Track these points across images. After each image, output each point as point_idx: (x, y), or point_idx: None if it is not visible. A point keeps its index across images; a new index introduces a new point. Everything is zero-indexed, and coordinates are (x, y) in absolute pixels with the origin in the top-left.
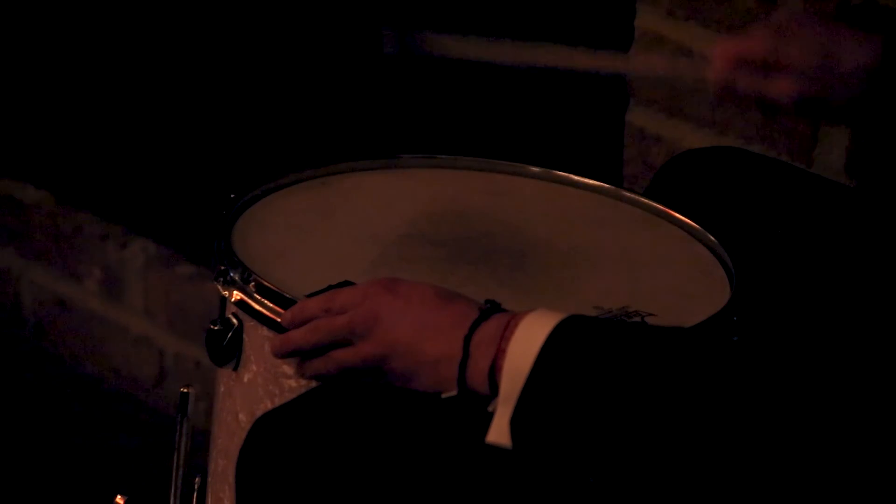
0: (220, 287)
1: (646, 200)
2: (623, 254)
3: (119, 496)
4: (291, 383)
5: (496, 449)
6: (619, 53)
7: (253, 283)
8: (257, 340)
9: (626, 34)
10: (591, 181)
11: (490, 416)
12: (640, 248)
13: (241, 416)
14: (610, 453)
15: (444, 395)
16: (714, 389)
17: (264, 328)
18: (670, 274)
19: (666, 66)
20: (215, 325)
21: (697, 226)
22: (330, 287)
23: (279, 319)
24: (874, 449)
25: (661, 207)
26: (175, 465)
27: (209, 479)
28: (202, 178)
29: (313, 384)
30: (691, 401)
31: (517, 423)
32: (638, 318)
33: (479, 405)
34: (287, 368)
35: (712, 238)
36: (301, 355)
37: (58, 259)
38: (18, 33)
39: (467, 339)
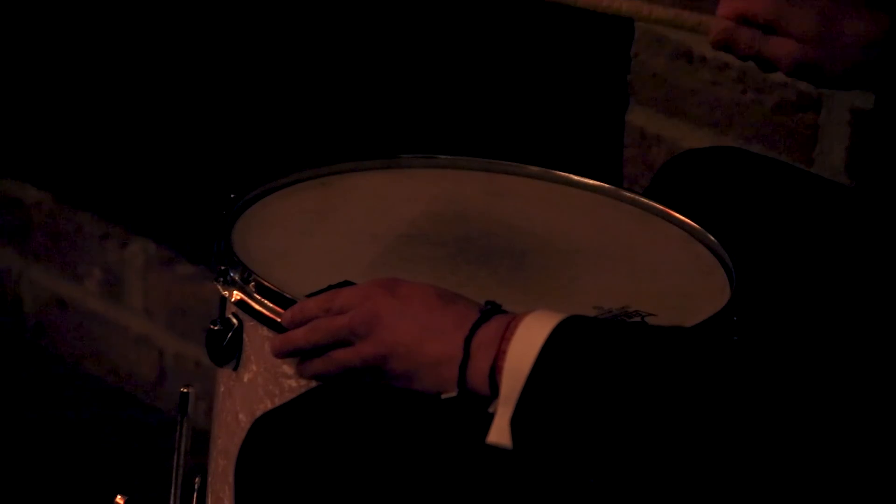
0: (220, 287)
1: (646, 200)
2: (623, 254)
3: (119, 496)
4: (291, 383)
5: (496, 449)
6: None
7: (253, 284)
8: (257, 340)
9: None
10: (591, 181)
11: (490, 416)
12: (640, 248)
13: (241, 416)
14: (610, 453)
15: (443, 396)
16: (714, 389)
17: (264, 328)
18: (670, 274)
19: (670, 13)
20: (215, 325)
21: (697, 226)
22: (330, 287)
23: (279, 319)
24: (874, 449)
25: (661, 207)
26: (175, 465)
27: (209, 479)
28: (202, 178)
29: (313, 384)
30: (691, 401)
31: (517, 423)
32: (638, 318)
33: (479, 406)
34: (287, 368)
35: (712, 238)
36: (301, 355)
37: (58, 259)
38: (18, 33)
39: (468, 341)
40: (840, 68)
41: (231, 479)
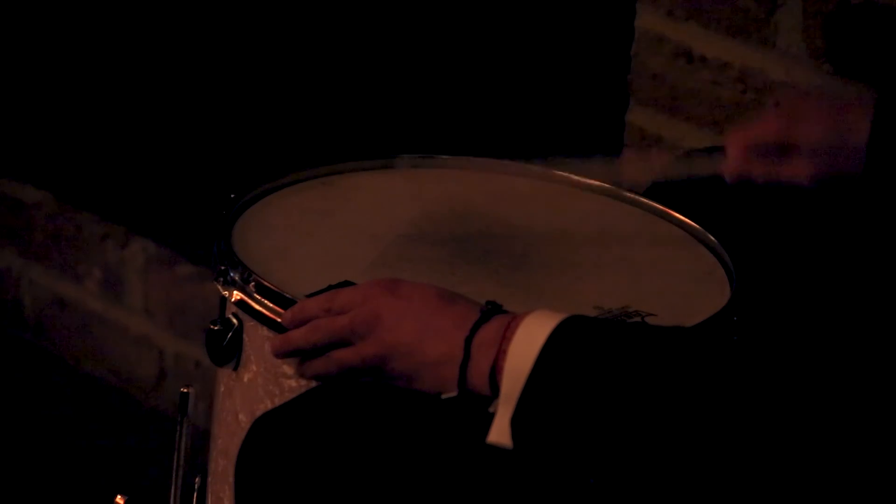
0: (220, 287)
1: (646, 200)
2: (623, 254)
3: (119, 496)
4: (291, 383)
5: (497, 449)
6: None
7: (253, 283)
8: (257, 340)
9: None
10: (592, 181)
11: (490, 416)
12: (640, 248)
13: (241, 416)
14: (610, 453)
15: (444, 396)
16: (714, 389)
17: (264, 328)
18: (670, 274)
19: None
20: (215, 325)
21: (697, 226)
22: (330, 287)
23: (279, 319)
24: (874, 449)
25: (661, 207)
26: (175, 465)
27: (209, 479)
28: (202, 178)
29: (313, 384)
30: (691, 401)
31: (518, 423)
32: (638, 318)
33: (479, 406)
34: (287, 368)
35: (712, 238)
36: (301, 355)
37: (58, 259)
38: (18, 33)
39: (468, 341)
40: (861, 168)
41: (231, 479)
